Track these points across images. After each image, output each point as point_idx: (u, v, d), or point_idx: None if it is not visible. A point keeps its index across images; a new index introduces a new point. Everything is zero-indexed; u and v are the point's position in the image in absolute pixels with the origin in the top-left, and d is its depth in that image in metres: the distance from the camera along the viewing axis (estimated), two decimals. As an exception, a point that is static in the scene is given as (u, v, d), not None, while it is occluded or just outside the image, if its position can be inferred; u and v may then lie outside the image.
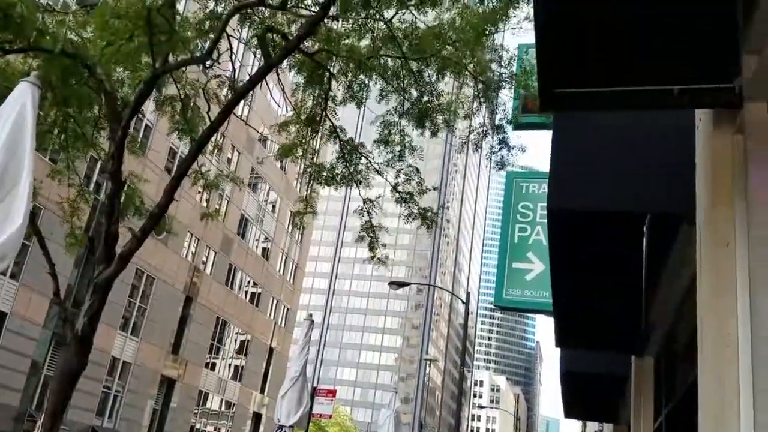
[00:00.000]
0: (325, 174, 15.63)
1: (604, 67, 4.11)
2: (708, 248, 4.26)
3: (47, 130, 14.30)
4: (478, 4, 13.35)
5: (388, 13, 13.44)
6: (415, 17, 13.49)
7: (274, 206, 62.00)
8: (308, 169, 16.14)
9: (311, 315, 14.85)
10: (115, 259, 12.21)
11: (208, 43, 13.66)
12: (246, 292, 56.93)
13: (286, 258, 64.43)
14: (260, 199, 59.44)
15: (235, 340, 55.71)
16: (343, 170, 15.62)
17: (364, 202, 15.65)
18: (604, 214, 5.35)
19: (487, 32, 12.59)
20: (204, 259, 49.89)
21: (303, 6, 13.99)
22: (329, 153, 16.37)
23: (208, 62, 13.78)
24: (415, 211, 15.33)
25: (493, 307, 23.08)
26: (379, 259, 15.87)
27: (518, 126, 18.00)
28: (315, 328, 15.93)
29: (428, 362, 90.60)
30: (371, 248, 15.66)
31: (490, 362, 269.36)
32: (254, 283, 57.85)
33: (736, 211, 4.12)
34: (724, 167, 4.21)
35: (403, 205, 15.36)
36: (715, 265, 4.10)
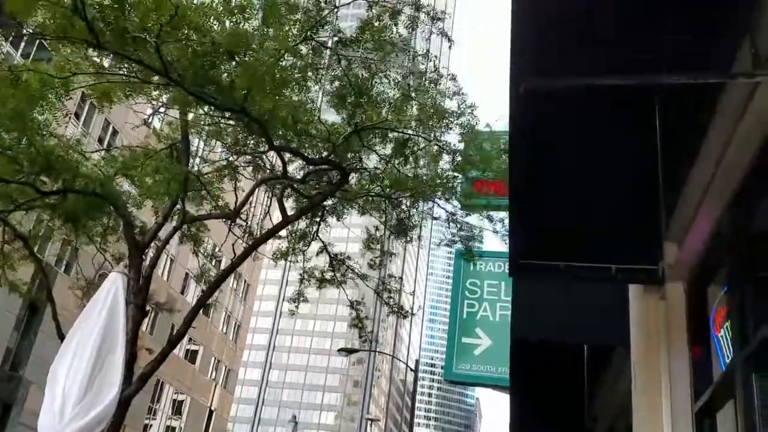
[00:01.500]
0: (316, 276, 17.16)
1: (559, 245, 5.22)
2: (641, 370, 5.46)
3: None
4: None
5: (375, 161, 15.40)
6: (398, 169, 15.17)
7: (219, 262, 61.66)
8: (301, 273, 17.68)
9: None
10: (135, 379, 12.92)
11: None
12: (186, 351, 55.87)
13: (229, 317, 63.75)
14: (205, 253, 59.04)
15: (173, 401, 54.29)
16: (331, 275, 17.02)
17: (352, 305, 17.20)
18: (554, 343, 6.50)
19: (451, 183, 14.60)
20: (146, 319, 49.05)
21: (320, 182, 15.68)
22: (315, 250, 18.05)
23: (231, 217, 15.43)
24: (393, 305, 16.96)
25: (442, 379, 23.96)
26: (362, 334, 17.41)
27: (465, 207, 19.32)
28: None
29: (369, 422, 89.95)
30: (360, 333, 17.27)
31: (430, 419, 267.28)
32: (195, 342, 56.91)
33: (660, 351, 5.30)
34: (652, 320, 5.36)
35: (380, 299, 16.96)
36: (646, 381, 5.37)
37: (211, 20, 10.44)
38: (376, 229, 17.28)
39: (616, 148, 4.57)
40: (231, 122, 14.20)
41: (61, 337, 14.08)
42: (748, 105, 3.88)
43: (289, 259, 17.75)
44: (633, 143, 4.58)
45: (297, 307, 17.84)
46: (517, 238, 5.02)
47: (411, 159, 16.40)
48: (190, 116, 14.52)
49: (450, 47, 13.34)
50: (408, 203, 16.47)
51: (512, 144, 4.49)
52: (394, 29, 12.51)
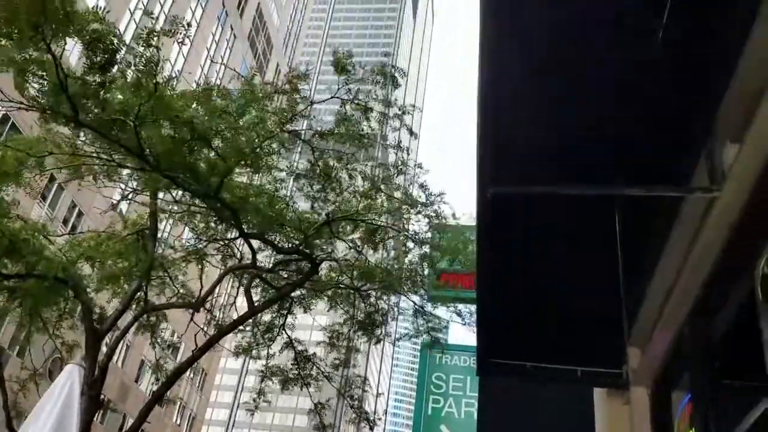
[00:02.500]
0: (278, 376, 16.77)
1: (526, 345, 5.23)
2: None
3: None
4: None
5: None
6: (367, 259, 15.34)
7: (176, 350, 59.66)
8: (263, 371, 17.24)
9: None
10: None
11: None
12: (138, 445, 52.93)
13: (184, 408, 61.06)
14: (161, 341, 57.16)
15: (119, 499, 50.88)
16: (296, 373, 16.68)
17: (315, 407, 16.81)
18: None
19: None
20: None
21: (288, 271, 15.73)
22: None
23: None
24: (358, 411, 16.65)
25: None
26: None
27: (432, 299, 19.29)
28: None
29: None
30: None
31: None
32: (147, 435, 54.05)
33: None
34: (617, 424, 5.32)
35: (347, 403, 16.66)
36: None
37: (192, 106, 10.66)
38: (342, 324, 17.07)
39: (580, 253, 4.70)
40: (201, 207, 14.19)
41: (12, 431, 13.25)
42: (707, 216, 4.07)
43: (251, 354, 17.31)
44: (596, 249, 4.72)
45: (256, 407, 17.22)
46: (484, 337, 5.03)
47: (380, 248, 16.52)
48: (160, 201, 14.48)
49: (417, 139, 13.80)
50: (376, 295, 16.40)
51: (480, 246, 4.59)
52: (365, 124, 12.90)
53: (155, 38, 10.50)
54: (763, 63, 3.55)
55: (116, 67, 9.96)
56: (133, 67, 10.36)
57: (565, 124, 3.95)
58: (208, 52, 44.80)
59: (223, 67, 47.71)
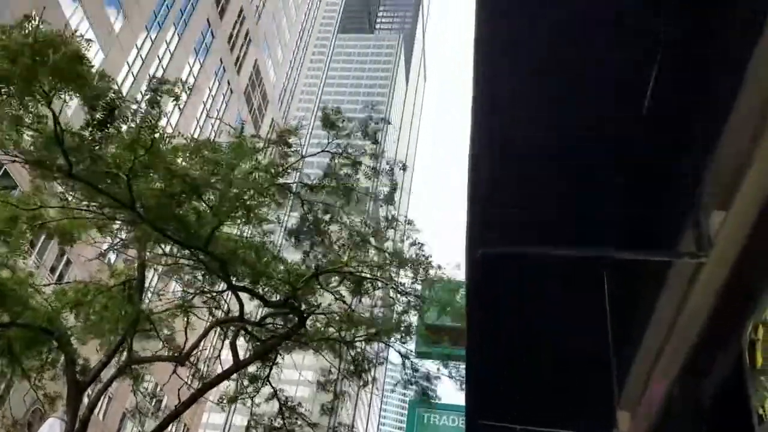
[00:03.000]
0: (264, 425, 16.40)
1: (515, 407, 5.17)
2: None
3: None
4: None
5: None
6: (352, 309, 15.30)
7: (159, 402, 58.15)
8: (249, 421, 16.85)
9: None
10: None
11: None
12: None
13: (165, 464, 59.08)
14: (144, 391, 55.72)
15: None
16: (281, 424, 16.30)
17: None
18: None
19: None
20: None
21: (275, 323, 15.66)
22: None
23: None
24: None
25: None
26: None
27: (420, 354, 19.04)
28: None
29: None
30: None
31: None
32: (124, 493, 52.13)
33: None
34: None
35: None
36: None
37: (185, 156, 10.75)
38: (329, 372, 16.74)
39: (569, 316, 4.70)
40: (189, 259, 14.12)
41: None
42: (694, 282, 4.10)
43: (236, 404, 16.91)
44: (585, 310, 4.73)
45: None
46: (473, 397, 4.97)
47: (367, 299, 16.41)
48: (148, 253, 14.39)
49: (409, 195, 13.96)
50: (363, 345, 16.19)
51: (469, 305, 4.59)
52: (355, 177, 13.01)
53: (159, 98, 10.72)
54: (746, 135, 3.66)
55: (115, 122, 10.09)
56: (130, 122, 10.49)
57: (556, 188, 4.03)
58: (204, 106, 45.41)
59: (218, 120, 48.28)
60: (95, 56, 31.70)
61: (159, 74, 38.14)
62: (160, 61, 38.28)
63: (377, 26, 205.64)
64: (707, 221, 4.00)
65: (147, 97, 10.71)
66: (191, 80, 42.86)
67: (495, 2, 3.16)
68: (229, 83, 49.95)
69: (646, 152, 3.89)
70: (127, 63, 34.72)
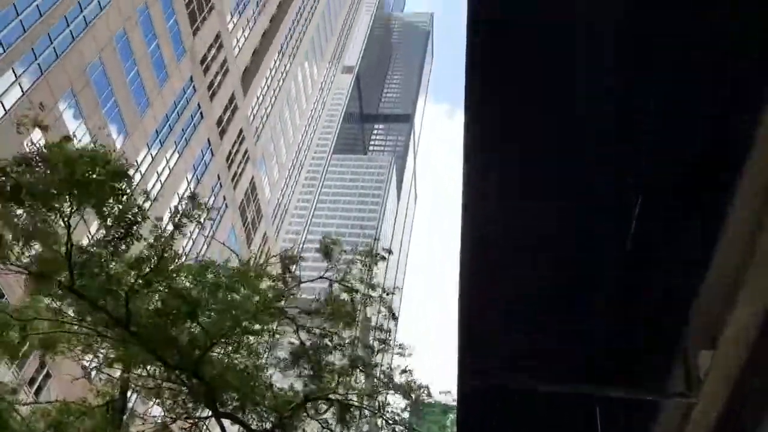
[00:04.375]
0: None
1: None
2: None
3: None
4: None
5: None
6: None
7: None
8: None
9: None
10: None
11: None
12: None
13: None
14: None
15: None
16: None
17: None
18: None
19: None
20: None
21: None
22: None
23: None
24: None
25: None
26: None
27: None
28: None
29: None
30: None
31: None
32: None
33: None
34: None
35: None
36: None
37: (184, 278, 10.81)
38: None
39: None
40: (174, 383, 13.73)
41: None
42: (687, 418, 4.09)
43: None
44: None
45: None
46: None
47: (354, 428, 15.85)
48: (133, 374, 14.01)
49: (396, 323, 13.86)
50: None
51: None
52: (350, 302, 12.99)
53: (184, 222, 11.00)
54: (730, 276, 3.81)
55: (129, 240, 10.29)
56: (141, 240, 10.67)
57: (547, 327, 4.11)
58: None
59: (213, 229, 48.73)
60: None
61: (156, 189, 38.94)
62: (158, 177, 39.19)
63: (370, 147, 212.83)
64: (696, 360, 4.05)
65: (172, 219, 10.99)
66: (188, 194, 43.64)
67: (477, 159, 3.38)
68: (224, 198, 50.90)
69: (633, 293, 4.01)
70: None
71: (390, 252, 13.93)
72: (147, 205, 37.34)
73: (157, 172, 39.22)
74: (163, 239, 10.77)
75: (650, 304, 4.23)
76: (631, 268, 3.93)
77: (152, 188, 38.78)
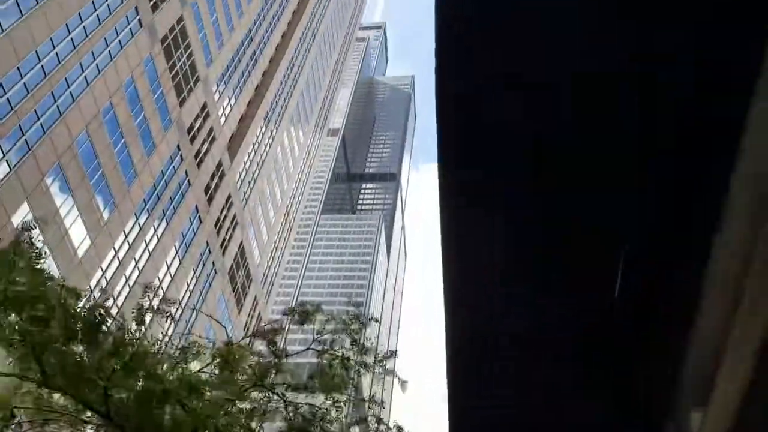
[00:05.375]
0: None
1: None
2: None
3: None
4: None
5: None
6: None
7: None
8: None
9: None
10: None
11: None
12: None
13: None
14: None
15: None
16: None
17: None
18: None
19: None
20: None
21: None
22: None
23: None
24: None
25: None
26: None
27: None
28: None
29: None
30: None
31: None
32: None
33: None
34: None
35: None
36: None
37: (164, 367, 10.55)
38: None
39: None
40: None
41: None
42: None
43: None
44: None
45: None
46: None
47: None
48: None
49: (402, 386, 13.33)
50: None
51: None
52: (344, 373, 12.55)
53: (145, 315, 10.90)
54: (715, 339, 3.84)
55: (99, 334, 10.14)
56: (115, 332, 10.50)
57: (530, 402, 4.10)
58: (188, 287, 45.65)
59: (202, 296, 48.19)
60: (81, 243, 32.37)
61: (144, 259, 38.69)
62: (146, 246, 39.04)
63: (359, 207, 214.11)
64: (687, 422, 4.03)
65: (137, 317, 10.85)
66: (176, 262, 43.45)
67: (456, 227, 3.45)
68: (213, 264, 50.64)
69: (620, 353, 4.03)
70: (114, 248, 35.37)
71: (377, 321, 13.58)
72: (134, 276, 36.72)
73: (145, 242, 39.09)
74: (141, 330, 10.65)
75: (639, 366, 4.24)
76: (619, 329, 3.96)
77: (140, 257, 38.59)
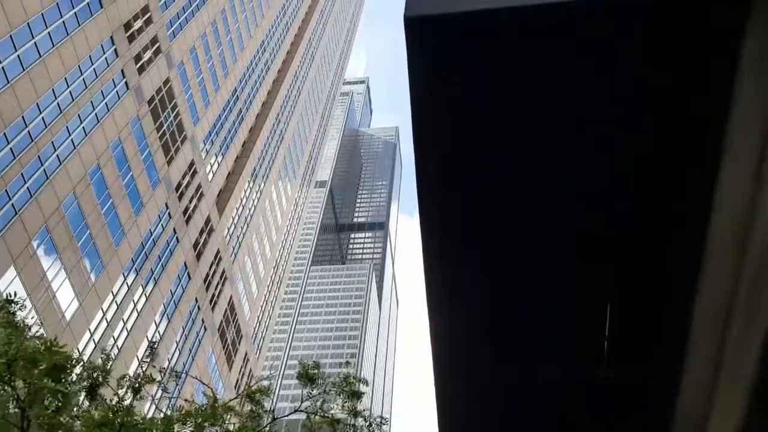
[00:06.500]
0: None
1: None
2: None
3: None
4: None
5: None
6: None
7: None
8: None
9: None
10: None
11: None
12: None
13: None
14: None
15: None
16: None
17: None
18: None
19: None
20: None
21: None
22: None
23: None
24: None
25: None
26: None
27: None
28: None
29: None
30: None
31: None
32: None
33: None
34: None
35: None
36: None
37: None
38: None
39: None
40: None
41: None
42: None
43: None
44: None
45: None
46: None
47: None
48: None
49: None
50: None
51: None
52: None
53: (139, 386, 10.78)
54: (710, 364, 3.88)
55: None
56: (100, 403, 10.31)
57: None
58: (177, 345, 45.05)
59: (192, 355, 47.46)
60: (69, 305, 32.01)
61: (132, 320, 38.22)
62: (135, 306, 38.65)
63: (348, 257, 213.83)
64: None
65: (131, 385, 10.71)
66: (165, 321, 42.93)
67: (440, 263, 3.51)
68: (203, 321, 50.11)
69: (619, 377, 4.04)
70: (102, 309, 34.98)
71: (367, 383, 13.32)
72: (122, 338, 36.21)
73: (134, 301, 38.71)
74: (127, 399, 10.51)
75: (634, 401, 4.25)
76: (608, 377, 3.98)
77: (128, 317, 38.13)
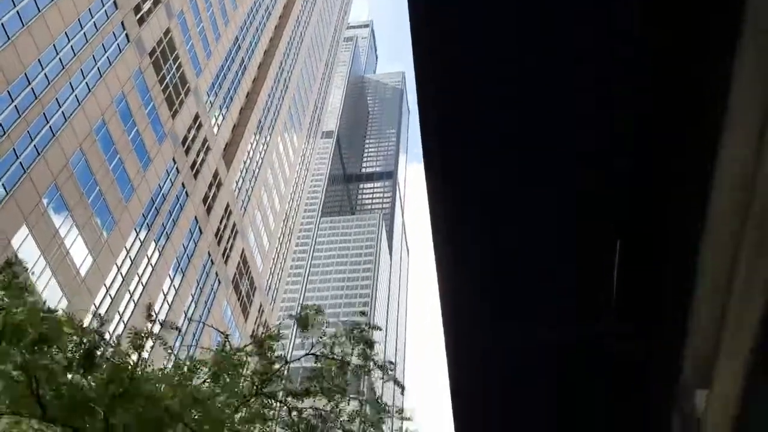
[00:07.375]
0: None
1: None
2: None
3: None
4: None
5: None
6: None
7: None
8: None
9: None
10: None
11: None
12: None
13: None
14: None
15: None
16: None
17: None
18: None
19: None
20: None
21: None
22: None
23: None
24: None
25: None
26: None
27: None
28: None
29: None
30: None
31: None
32: None
33: None
34: None
35: None
36: None
37: (163, 388, 10.47)
38: None
39: None
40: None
41: None
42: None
43: None
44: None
45: None
46: None
47: None
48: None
49: (402, 393, 13.30)
50: None
51: None
52: (344, 377, 12.38)
53: (143, 340, 10.77)
54: (716, 311, 3.87)
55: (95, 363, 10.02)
56: (111, 358, 10.39)
57: (534, 399, 4.14)
58: (192, 298, 45.78)
59: (208, 307, 48.19)
60: (83, 262, 32.40)
61: (147, 274, 38.70)
62: (149, 261, 39.09)
63: (358, 207, 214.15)
64: (691, 402, 4.06)
65: (132, 340, 10.72)
66: (179, 277, 43.49)
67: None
68: (217, 274, 50.69)
69: (621, 340, 4.06)
70: (116, 264, 35.41)
71: (379, 329, 13.34)
72: (138, 291, 36.64)
73: (147, 256, 39.12)
74: (140, 354, 10.58)
75: (639, 351, 4.28)
76: (618, 319, 3.99)
77: (143, 272, 38.64)
